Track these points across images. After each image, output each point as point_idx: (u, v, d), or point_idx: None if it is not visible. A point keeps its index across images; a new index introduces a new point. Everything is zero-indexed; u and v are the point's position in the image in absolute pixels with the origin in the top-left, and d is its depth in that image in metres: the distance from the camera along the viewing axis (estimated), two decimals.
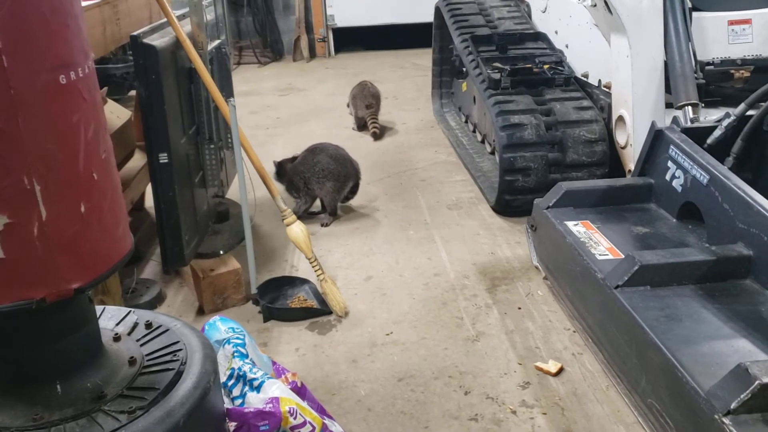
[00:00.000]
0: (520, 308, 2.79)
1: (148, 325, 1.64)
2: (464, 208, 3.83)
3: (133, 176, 3.28)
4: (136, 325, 1.64)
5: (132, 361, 1.49)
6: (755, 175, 2.78)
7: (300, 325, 2.75)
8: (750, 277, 2.29)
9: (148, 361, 1.51)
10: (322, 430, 1.71)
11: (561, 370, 2.37)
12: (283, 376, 1.95)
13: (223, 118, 2.87)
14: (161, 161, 2.55)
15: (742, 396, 1.67)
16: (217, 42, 3.21)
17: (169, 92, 2.59)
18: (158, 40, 2.54)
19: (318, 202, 3.78)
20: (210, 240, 3.10)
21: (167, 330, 1.62)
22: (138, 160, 3.42)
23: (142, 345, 1.57)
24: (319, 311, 2.81)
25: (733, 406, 1.68)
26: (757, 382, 1.66)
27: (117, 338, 1.57)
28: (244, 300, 2.89)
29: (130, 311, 1.68)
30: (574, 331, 2.59)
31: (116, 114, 3.38)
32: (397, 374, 2.42)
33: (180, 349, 1.54)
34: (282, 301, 2.89)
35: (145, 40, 2.47)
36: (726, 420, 1.67)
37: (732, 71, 3.15)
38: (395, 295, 2.95)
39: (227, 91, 3.18)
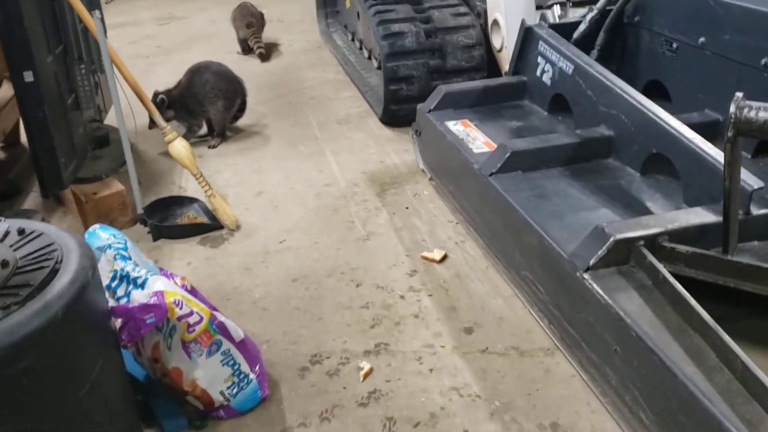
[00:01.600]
0: (407, 208, 2.89)
1: (21, 232, 1.60)
2: (353, 123, 3.87)
3: (2, 106, 3.12)
4: (8, 232, 1.60)
5: (4, 264, 1.46)
6: (619, 66, 2.95)
7: (191, 241, 2.74)
8: (612, 156, 2.46)
9: (21, 262, 1.49)
10: (211, 320, 1.74)
11: (445, 257, 2.50)
12: (171, 281, 1.96)
13: (95, 40, 2.76)
14: (26, 80, 2.43)
15: (599, 252, 1.83)
16: None
17: (27, 7, 2.45)
18: None
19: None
20: (91, 165, 3.01)
21: (41, 234, 1.59)
22: (7, 90, 3.25)
23: (15, 250, 1.54)
24: (209, 226, 2.80)
25: (592, 262, 1.83)
26: (611, 238, 1.83)
27: None
28: (132, 222, 2.85)
29: (1, 220, 1.64)
30: (457, 223, 2.72)
31: None
32: (290, 276, 2.48)
33: (55, 250, 1.52)
34: (171, 220, 2.87)
35: None
36: (586, 275, 1.83)
37: None
38: (287, 207, 2.99)
39: (95, 8, 3.04)
